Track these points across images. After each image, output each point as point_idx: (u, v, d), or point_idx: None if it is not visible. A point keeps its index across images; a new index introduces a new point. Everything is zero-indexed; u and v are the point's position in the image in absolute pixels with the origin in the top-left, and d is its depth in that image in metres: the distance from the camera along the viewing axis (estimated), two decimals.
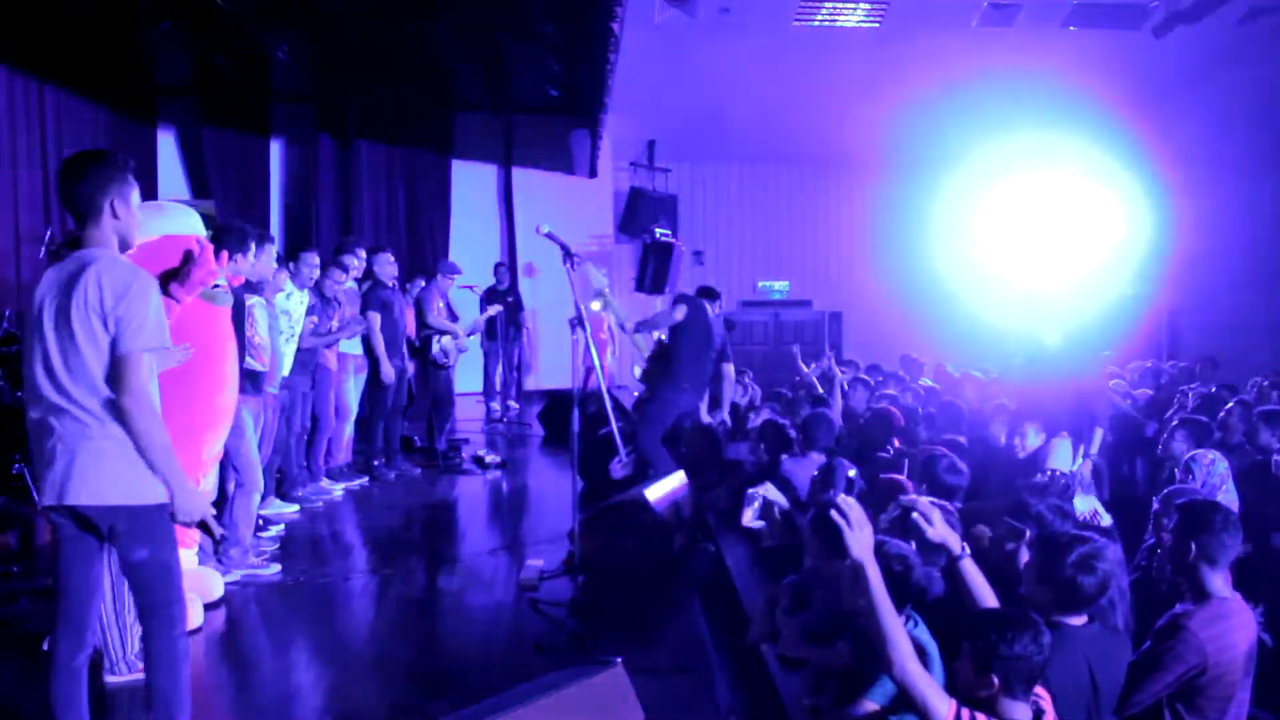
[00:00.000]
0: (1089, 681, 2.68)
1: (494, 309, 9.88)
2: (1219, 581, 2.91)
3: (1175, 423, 5.48)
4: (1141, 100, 11.93)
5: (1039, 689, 2.46)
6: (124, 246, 2.91)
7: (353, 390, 7.20)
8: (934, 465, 4.05)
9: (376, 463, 7.55)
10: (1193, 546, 2.90)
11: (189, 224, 4.16)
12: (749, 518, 4.97)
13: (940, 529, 2.89)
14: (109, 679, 3.67)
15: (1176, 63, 11.23)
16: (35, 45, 8.83)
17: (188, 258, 3.93)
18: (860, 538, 2.45)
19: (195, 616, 4.18)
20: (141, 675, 3.64)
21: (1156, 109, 12.12)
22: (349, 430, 7.32)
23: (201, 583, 4.38)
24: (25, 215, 8.89)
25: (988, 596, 2.83)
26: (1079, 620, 2.74)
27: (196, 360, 3.88)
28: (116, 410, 2.74)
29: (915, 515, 2.90)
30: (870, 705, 2.63)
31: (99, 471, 2.74)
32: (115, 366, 2.74)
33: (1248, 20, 10.82)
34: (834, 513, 2.47)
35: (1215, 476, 4.49)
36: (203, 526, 2.94)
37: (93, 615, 2.94)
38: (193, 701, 3.64)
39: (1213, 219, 14.28)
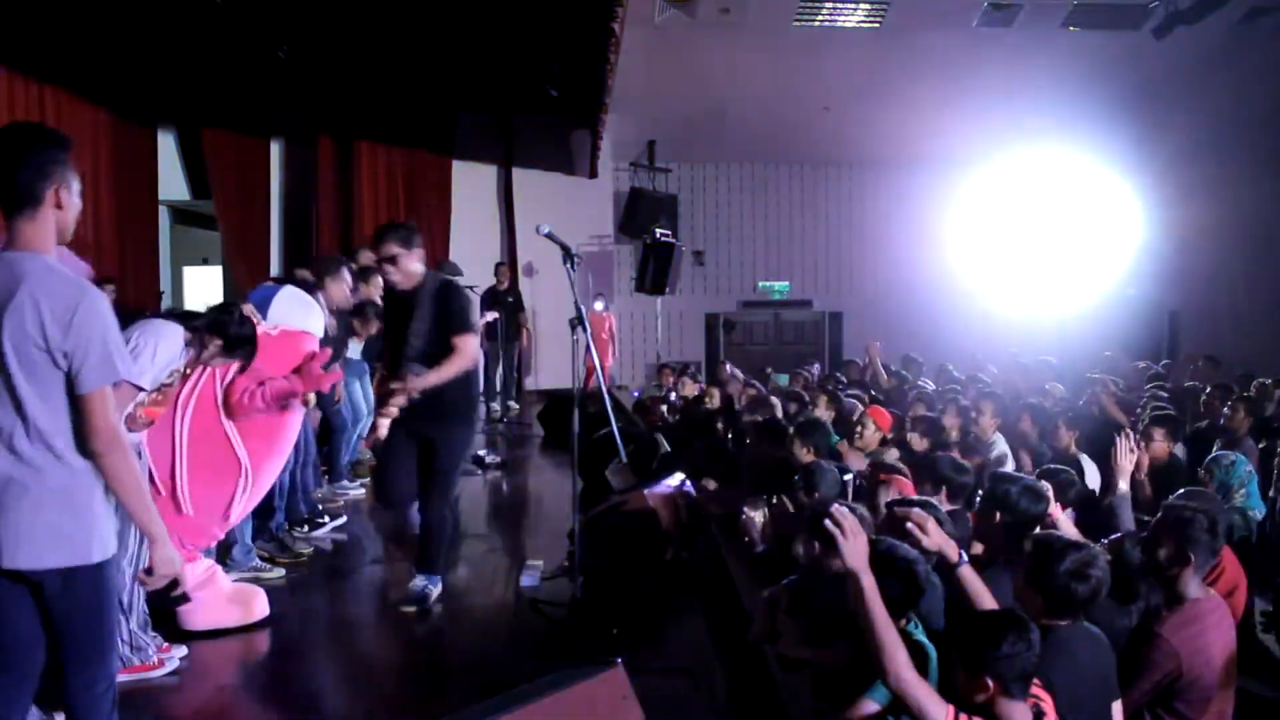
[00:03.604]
0: (1087, 677, 2.69)
1: (490, 315, 9.87)
2: (1193, 584, 2.91)
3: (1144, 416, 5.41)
4: (1141, 100, 11.92)
5: (1039, 690, 2.46)
6: (61, 241, 2.46)
7: (359, 393, 7.22)
8: (938, 466, 4.02)
9: None
10: (1168, 550, 2.90)
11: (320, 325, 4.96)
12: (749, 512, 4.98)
13: (936, 537, 2.88)
14: None
15: (1176, 63, 11.23)
16: (35, 45, 8.83)
17: (312, 356, 4.43)
18: (854, 547, 2.44)
19: (260, 607, 4.36)
20: (137, 673, 3.69)
21: (1156, 109, 12.11)
22: (361, 431, 7.33)
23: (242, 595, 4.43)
24: None
25: (987, 603, 2.82)
26: (1065, 621, 2.73)
27: (268, 451, 4.41)
28: (64, 455, 2.35)
29: (910, 524, 2.88)
30: (870, 705, 2.63)
31: (36, 529, 2.34)
32: (76, 407, 2.34)
33: (1248, 20, 10.83)
34: (828, 522, 2.46)
35: (1235, 479, 4.46)
36: (170, 587, 2.59)
37: (36, 664, 2.51)
38: (192, 702, 3.63)
39: (1213, 219, 14.27)
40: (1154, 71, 11.47)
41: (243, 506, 4.43)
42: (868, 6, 10.88)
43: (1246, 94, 12.30)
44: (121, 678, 3.61)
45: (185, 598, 2.67)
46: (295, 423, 4.64)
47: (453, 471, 4.59)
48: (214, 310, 4.19)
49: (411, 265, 4.39)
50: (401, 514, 4.48)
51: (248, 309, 4.60)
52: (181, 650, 3.91)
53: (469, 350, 4.37)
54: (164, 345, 3.67)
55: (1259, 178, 14.57)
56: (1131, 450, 3.89)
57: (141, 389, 3.12)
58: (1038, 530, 3.30)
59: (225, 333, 4.02)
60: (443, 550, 4.67)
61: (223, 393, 4.30)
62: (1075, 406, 6.70)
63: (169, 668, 3.79)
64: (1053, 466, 3.99)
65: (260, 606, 4.36)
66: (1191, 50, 10.94)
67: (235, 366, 4.30)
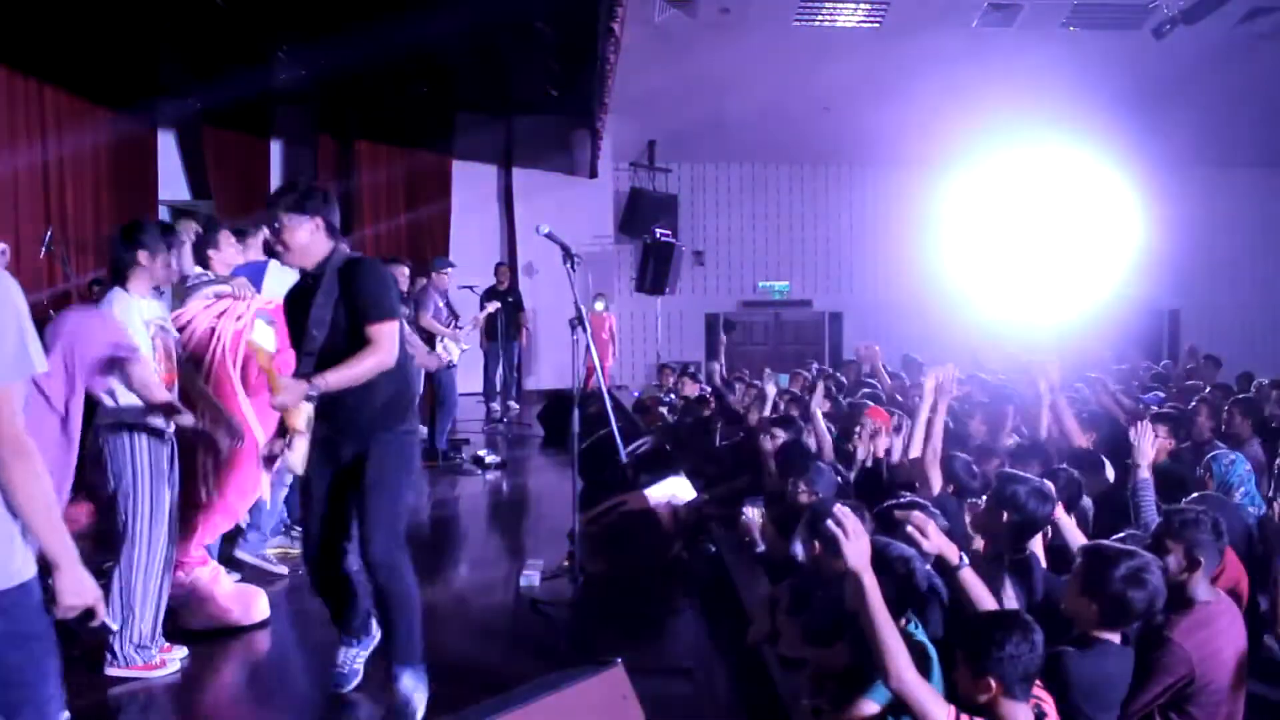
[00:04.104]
0: (1118, 696, 2.66)
1: (491, 306, 9.88)
2: (1202, 587, 2.88)
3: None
4: (1142, 100, 11.93)
5: (1040, 691, 2.46)
6: None
7: None
8: (954, 468, 4.00)
9: None
10: (1177, 556, 2.87)
11: None
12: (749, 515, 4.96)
13: (936, 540, 2.87)
14: (109, 671, 3.69)
15: (1176, 63, 11.23)
16: (35, 45, 8.83)
17: None
18: (857, 547, 2.44)
19: (261, 608, 4.33)
20: (139, 671, 3.69)
21: (1156, 109, 12.12)
22: None
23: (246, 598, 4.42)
24: (25, 215, 8.89)
25: (988, 604, 2.82)
26: (1117, 637, 2.67)
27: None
28: None
29: (910, 528, 2.88)
30: (870, 706, 2.63)
31: None
32: None
33: (1248, 20, 10.84)
34: (830, 523, 2.46)
35: (1235, 477, 4.45)
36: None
37: None
38: (193, 702, 3.63)
39: (1212, 219, 14.30)
40: (1154, 71, 11.47)
41: (264, 484, 4.45)
42: (868, 6, 10.89)
43: (1246, 94, 12.31)
44: (124, 670, 3.68)
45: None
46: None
47: (388, 487, 3.31)
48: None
49: (298, 237, 3.23)
50: (332, 575, 3.46)
51: (239, 282, 4.57)
52: (182, 650, 3.91)
53: (387, 341, 3.16)
54: (117, 307, 3.70)
55: (1259, 178, 14.59)
56: (1150, 435, 3.87)
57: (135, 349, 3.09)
58: (1043, 533, 3.30)
59: (132, 248, 3.73)
60: (417, 622, 3.37)
61: (238, 373, 4.29)
62: (1091, 407, 6.69)
63: (170, 668, 3.79)
64: (1056, 466, 3.97)
65: (261, 607, 4.35)
66: (1191, 50, 10.95)
67: (244, 347, 4.27)
